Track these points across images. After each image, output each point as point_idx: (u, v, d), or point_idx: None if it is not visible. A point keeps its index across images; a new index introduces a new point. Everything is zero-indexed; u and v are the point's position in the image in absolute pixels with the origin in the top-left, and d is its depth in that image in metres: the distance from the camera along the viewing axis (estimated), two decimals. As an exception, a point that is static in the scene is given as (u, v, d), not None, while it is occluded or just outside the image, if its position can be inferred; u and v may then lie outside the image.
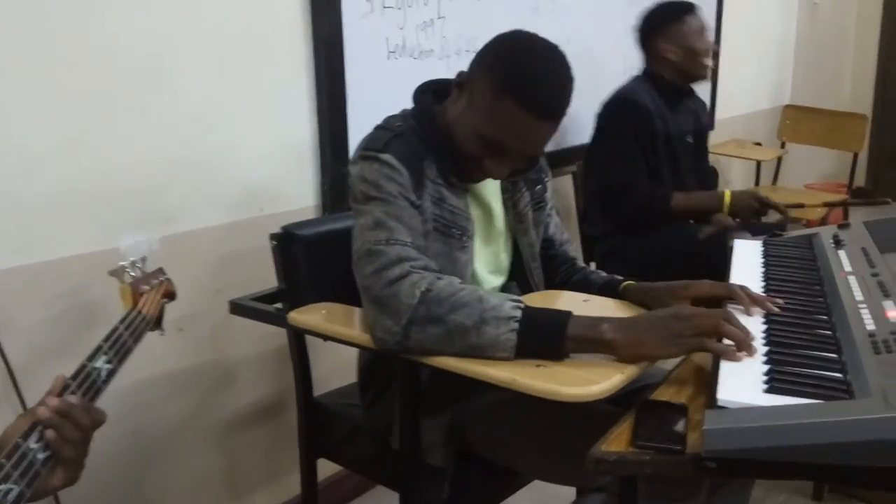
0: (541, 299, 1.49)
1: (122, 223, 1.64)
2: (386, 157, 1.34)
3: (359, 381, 1.59)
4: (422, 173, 1.37)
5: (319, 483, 1.72)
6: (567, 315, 1.21)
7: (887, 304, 1.19)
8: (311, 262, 1.59)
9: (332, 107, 1.96)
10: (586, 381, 1.12)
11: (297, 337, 1.61)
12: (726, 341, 1.14)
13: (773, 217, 2.52)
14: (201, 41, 1.73)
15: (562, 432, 1.35)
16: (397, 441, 1.42)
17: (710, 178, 2.83)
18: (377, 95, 2.08)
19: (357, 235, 1.34)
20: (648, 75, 2.59)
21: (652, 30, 2.57)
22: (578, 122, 2.80)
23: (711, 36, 2.58)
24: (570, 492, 1.68)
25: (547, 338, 1.19)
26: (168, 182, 1.72)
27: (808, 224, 3.74)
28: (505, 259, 1.57)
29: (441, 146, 1.40)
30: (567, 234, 1.69)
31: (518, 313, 1.20)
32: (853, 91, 5.84)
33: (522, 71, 1.31)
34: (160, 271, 1.42)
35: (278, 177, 1.94)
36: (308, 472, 1.69)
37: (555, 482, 1.55)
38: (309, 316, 1.46)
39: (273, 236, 1.59)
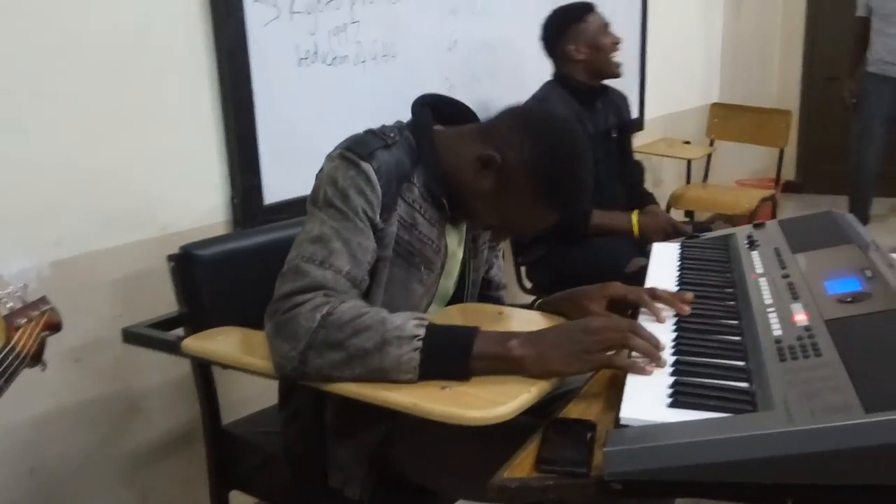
0: (455, 313, 1.44)
1: (7, 249, 1.53)
2: (366, 166, 1.25)
3: (279, 398, 1.51)
4: (398, 194, 1.30)
5: (234, 515, 1.64)
6: (474, 331, 1.16)
7: (795, 307, 1.18)
8: (216, 284, 1.50)
9: (239, 117, 1.89)
10: (491, 402, 1.07)
11: (201, 364, 1.53)
12: (636, 354, 1.12)
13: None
14: (90, 54, 1.64)
15: (483, 450, 1.30)
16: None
17: (635, 172, 2.82)
18: (289, 104, 2.01)
19: (296, 242, 1.26)
20: (559, 80, 2.57)
21: (556, 34, 2.56)
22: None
23: (616, 31, 2.56)
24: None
25: (452, 356, 1.14)
26: (56, 203, 1.62)
27: (741, 223, 3.78)
28: (450, 293, 1.50)
29: (434, 171, 1.32)
30: (505, 281, 1.64)
31: (421, 331, 1.14)
32: (780, 88, 5.95)
33: (564, 182, 1.30)
34: (43, 300, 1.32)
35: (181, 192, 1.85)
36: (220, 506, 1.61)
37: (479, 501, 1.50)
38: (205, 343, 1.37)
39: (171, 257, 1.50)
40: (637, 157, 2.88)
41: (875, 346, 1.00)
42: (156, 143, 1.78)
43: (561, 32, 2.55)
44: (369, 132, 1.32)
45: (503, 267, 1.65)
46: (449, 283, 1.47)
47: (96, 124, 1.67)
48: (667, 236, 2.40)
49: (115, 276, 1.74)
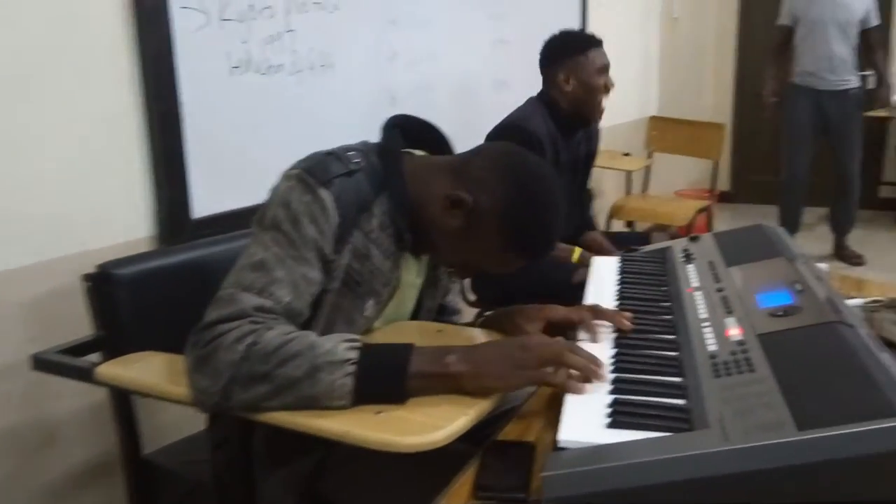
0: (391, 332, 1.40)
1: None
2: (324, 194, 1.18)
3: (207, 424, 1.45)
4: (355, 225, 1.23)
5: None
6: (409, 349, 1.11)
7: (729, 321, 1.17)
8: (136, 305, 1.42)
9: (165, 128, 1.82)
10: (428, 426, 1.03)
11: (119, 390, 1.44)
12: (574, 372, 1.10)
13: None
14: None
15: (420, 476, 1.25)
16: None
17: (585, 199, 2.81)
18: (220, 114, 1.95)
19: (236, 267, 1.18)
20: (545, 100, 2.51)
21: (554, 57, 2.49)
22: (453, 141, 2.74)
23: (612, 76, 2.50)
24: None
25: (387, 377, 1.09)
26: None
27: (678, 233, 3.83)
28: (404, 319, 1.45)
29: (399, 202, 1.26)
30: (460, 307, 1.60)
31: (354, 354, 1.09)
32: (714, 101, 6.09)
33: (535, 233, 1.26)
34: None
35: (103, 207, 1.78)
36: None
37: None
38: (122, 369, 1.29)
39: (87, 277, 1.42)
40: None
41: (805, 360, 1.00)
42: (75, 155, 1.71)
43: (559, 57, 2.47)
44: (331, 154, 1.25)
45: (458, 293, 1.62)
46: (403, 311, 1.42)
47: (6, 136, 1.59)
48: None
49: (29, 296, 1.66)
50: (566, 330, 1.33)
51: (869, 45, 4.45)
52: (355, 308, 1.28)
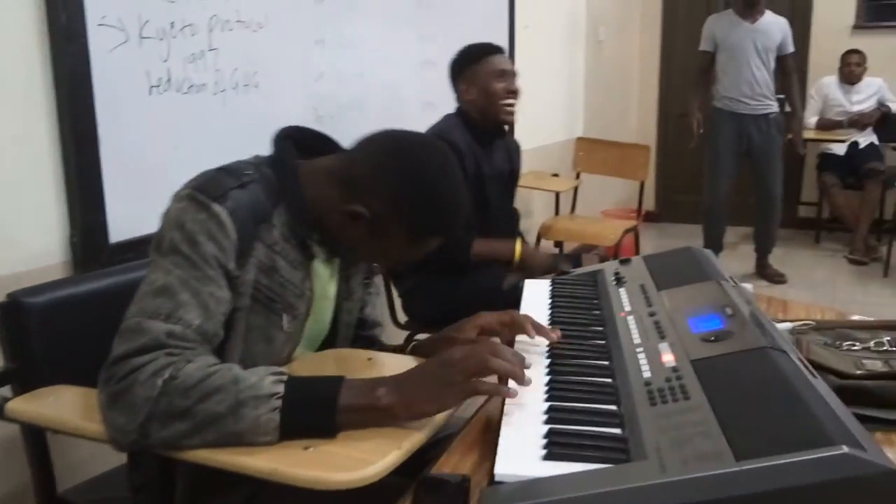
0: (320, 360, 1.36)
1: None
2: (218, 209, 1.13)
3: (127, 463, 1.36)
4: (255, 238, 1.18)
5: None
6: (338, 383, 1.07)
7: (662, 346, 1.17)
8: (49, 335, 1.34)
9: (81, 149, 1.74)
10: (359, 461, 0.99)
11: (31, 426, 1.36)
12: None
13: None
14: None
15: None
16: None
17: (513, 219, 2.82)
18: (139, 134, 1.88)
19: (137, 297, 1.12)
20: (459, 114, 2.56)
21: (456, 70, 2.56)
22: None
23: (516, 79, 2.54)
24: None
25: (316, 412, 1.05)
26: None
27: (606, 252, 3.88)
28: (323, 336, 1.42)
29: (298, 212, 1.22)
30: (381, 319, 1.57)
31: (280, 388, 1.05)
32: (639, 123, 6.22)
33: (440, 211, 1.24)
34: None
35: (13, 232, 1.68)
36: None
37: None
38: (34, 405, 1.21)
39: (-5, 305, 1.34)
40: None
41: (740, 387, 1.00)
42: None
43: (460, 69, 2.54)
44: (222, 170, 1.21)
45: (377, 305, 1.57)
46: (321, 326, 1.39)
47: None
48: (547, 272, 2.41)
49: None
50: (501, 336, 1.32)
51: (784, 71, 4.64)
52: (271, 324, 1.24)
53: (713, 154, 4.75)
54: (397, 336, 2.37)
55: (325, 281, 1.35)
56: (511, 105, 2.52)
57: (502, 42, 3.76)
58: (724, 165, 4.71)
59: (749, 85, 4.55)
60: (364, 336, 1.52)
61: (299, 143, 1.31)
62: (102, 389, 1.07)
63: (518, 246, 2.47)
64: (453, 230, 1.27)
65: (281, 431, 1.03)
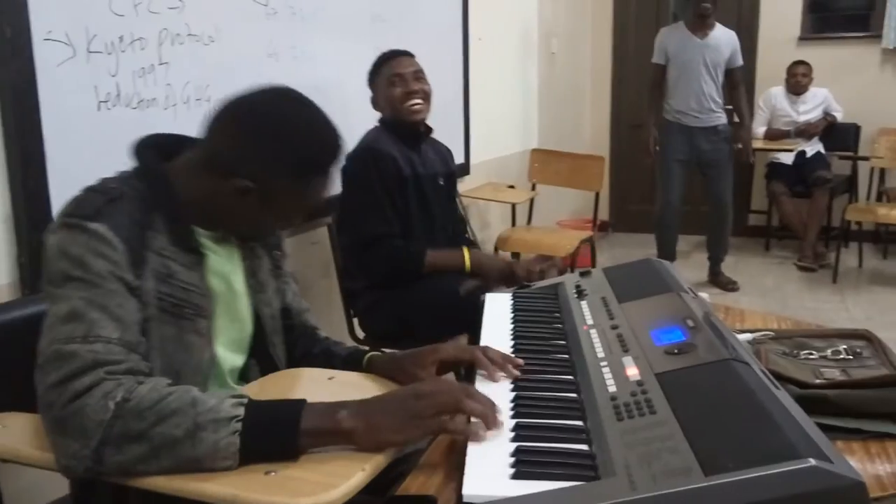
0: (280, 381, 1.33)
1: None
2: (96, 226, 1.11)
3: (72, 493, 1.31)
4: (144, 246, 1.16)
5: None
6: (300, 405, 1.05)
7: (626, 360, 1.16)
8: (-5, 360, 1.29)
9: (27, 166, 1.68)
10: (322, 485, 0.97)
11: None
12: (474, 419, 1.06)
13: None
14: None
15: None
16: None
17: (458, 223, 2.82)
18: (88, 150, 1.83)
19: (45, 330, 1.08)
20: (381, 122, 2.60)
21: (369, 81, 2.62)
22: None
23: (413, 78, 2.53)
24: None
25: (278, 435, 1.03)
26: None
27: (563, 262, 3.90)
28: (248, 335, 1.39)
29: (174, 210, 1.21)
30: (306, 303, 1.53)
31: (240, 411, 1.02)
32: (592, 134, 6.29)
33: (318, 151, 1.25)
34: None
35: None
36: None
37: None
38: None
39: (-65, 329, 1.28)
40: (465, 201, 2.90)
41: (705, 400, 1.00)
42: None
43: (370, 81, 2.61)
44: (88, 189, 1.19)
45: (298, 292, 1.53)
46: (243, 325, 1.37)
47: None
48: (505, 278, 2.41)
49: None
50: (458, 369, 1.30)
51: (732, 84, 4.75)
52: (185, 331, 1.22)
53: (664, 165, 4.82)
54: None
55: (227, 276, 1.33)
56: (414, 105, 2.52)
57: (456, 54, 3.77)
58: (675, 176, 4.78)
59: (698, 99, 4.65)
60: (293, 326, 1.49)
61: (161, 148, 1.29)
62: (45, 416, 1.04)
63: (466, 253, 2.47)
64: (332, 158, 1.27)
65: (241, 456, 1.00)
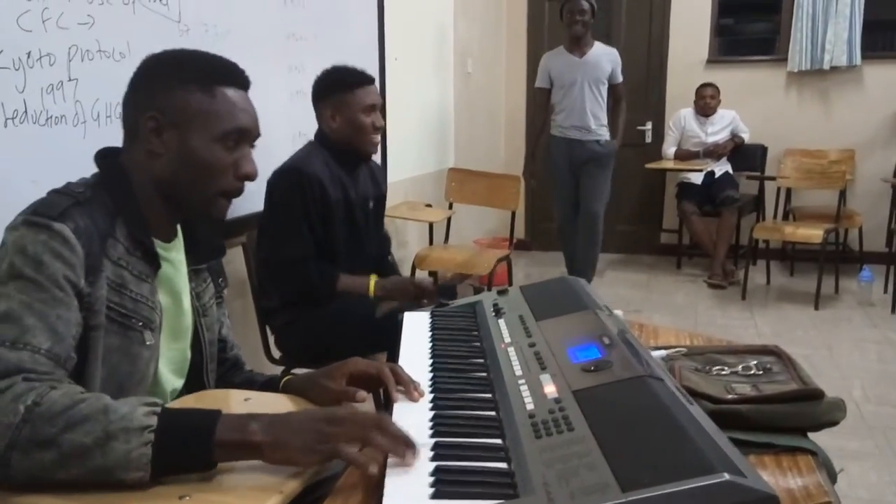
0: (197, 401, 1.31)
1: None
2: (59, 227, 1.11)
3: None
4: (102, 253, 1.16)
5: None
6: (215, 416, 1.03)
7: (544, 377, 1.18)
8: None
9: (-75, 185, 1.61)
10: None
11: None
12: None
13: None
14: None
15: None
16: None
17: (384, 244, 2.82)
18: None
19: None
20: (320, 139, 2.51)
21: (322, 93, 2.49)
22: (248, 190, 2.64)
23: (381, 115, 2.52)
24: None
25: (191, 446, 1.01)
26: None
27: (480, 281, 3.93)
28: (188, 358, 1.38)
29: (135, 213, 1.24)
30: (236, 340, 1.54)
31: (153, 421, 1.00)
32: (507, 154, 6.37)
33: (199, 61, 1.31)
34: None
35: None
36: None
37: None
38: None
39: None
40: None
41: (621, 417, 1.02)
42: None
43: (326, 94, 2.48)
44: (54, 192, 1.20)
45: (231, 326, 1.54)
46: (183, 346, 1.37)
47: None
48: (410, 296, 2.41)
49: None
50: (371, 383, 1.30)
51: (615, 98, 5.01)
52: (132, 342, 1.22)
53: (553, 179, 5.09)
54: (271, 370, 2.31)
55: (177, 293, 1.34)
56: (377, 138, 2.52)
57: (373, 73, 3.77)
58: (564, 190, 5.05)
59: (580, 116, 4.88)
60: (227, 358, 1.50)
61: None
62: None
63: (371, 282, 2.46)
64: (227, 67, 1.32)
65: (153, 467, 0.98)
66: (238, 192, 1.33)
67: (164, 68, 1.30)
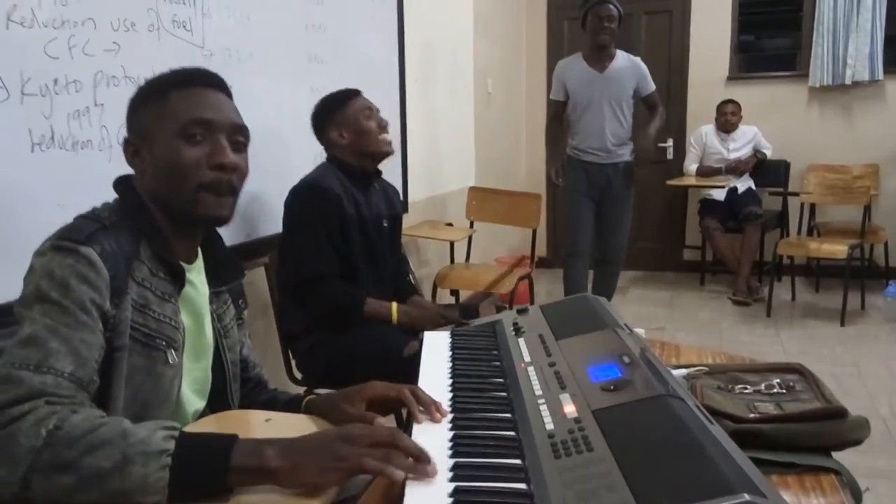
0: (217, 423, 1.31)
1: None
2: (86, 250, 1.14)
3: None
4: (128, 275, 1.19)
5: None
6: (231, 441, 1.04)
7: (564, 397, 1.17)
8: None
9: (-44, 211, 1.65)
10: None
11: None
12: None
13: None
14: None
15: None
16: None
17: (402, 263, 2.83)
18: (22, 193, 1.79)
19: (5, 351, 1.08)
20: (333, 161, 2.57)
21: (321, 123, 2.59)
22: (269, 211, 2.67)
23: (380, 115, 2.59)
24: None
25: (207, 472, 1.01)
26: None
27: (501, 298, 3.93)
28: (210, 378, 1.40)
29: (158, 239, 1.28)
30: (258, 360, 1.56)
31: (171, 445, 1.01)
32: (528, 172, 6.38)
33: (158, 77, 1.36)
34: None
35: None
36: None
37: None
38: None
39: None
40: (404, 239, 2.91)
41: (641, 437, 1.01)
42: None
43: (326, 120, 2.56)
44: (80, 217, 1.24)
45: (252, 347, 1.57)
46: (205, 366, 1.39)
47: None
48: (437, 326, 2.41)
49: None
50: (392, 407, 1.30)
51: (650, 108, 4.49)
52: (155, 362, 1.23)
53: (569, 202, 4.57)
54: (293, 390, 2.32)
55: (199, 314, 1.36)
56: (388, 138, 2.56)
57: (394, 94, 3.81)
58: (581, 212, 4.52)
59: (599, 138, 4.39)
60: (250, 378, 1.53)
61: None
62: None
63: (394, 310, 2.47)
64: (180, 73, 1.36)
65: (170, 491, 0.99)
66: (217, 182, 1.30)
67: (132, 97, 1.37)
